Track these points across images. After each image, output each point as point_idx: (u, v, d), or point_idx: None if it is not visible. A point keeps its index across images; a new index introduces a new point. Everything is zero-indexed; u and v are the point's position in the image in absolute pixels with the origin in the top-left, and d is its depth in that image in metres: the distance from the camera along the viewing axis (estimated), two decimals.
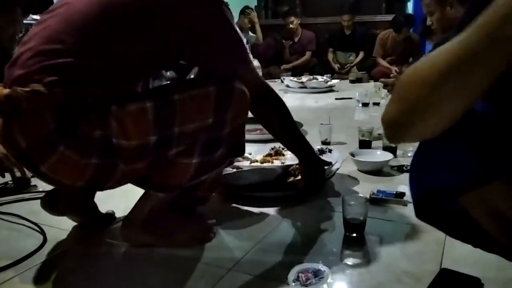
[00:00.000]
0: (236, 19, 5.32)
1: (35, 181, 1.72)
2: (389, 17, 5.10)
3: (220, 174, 1.28)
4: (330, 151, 1.82)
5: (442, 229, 0.82)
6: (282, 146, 1.88)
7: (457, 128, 0.58)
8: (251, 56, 5.40)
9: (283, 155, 1.84)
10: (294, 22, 5.28)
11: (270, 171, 1.63)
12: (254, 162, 1.78)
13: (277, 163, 1.75)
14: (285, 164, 1.70)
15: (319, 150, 1.82)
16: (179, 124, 1.03)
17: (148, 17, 1.05)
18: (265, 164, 1.74)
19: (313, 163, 1.47)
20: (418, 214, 0.78)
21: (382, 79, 2.56)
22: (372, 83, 4.47)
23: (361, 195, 1.29)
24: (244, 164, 1.74)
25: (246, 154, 1.84)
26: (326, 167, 1.59)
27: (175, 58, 1.22)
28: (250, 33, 5.40)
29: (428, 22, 2.18)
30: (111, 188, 1.13)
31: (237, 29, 1.22)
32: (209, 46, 1.12)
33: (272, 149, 1.89)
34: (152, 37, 1.06)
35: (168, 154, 1.05)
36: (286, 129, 1.39)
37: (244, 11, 5.26)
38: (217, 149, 1.10)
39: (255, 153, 1.89)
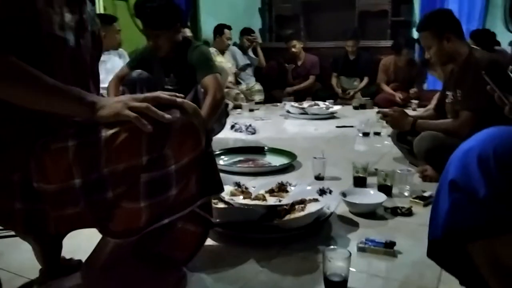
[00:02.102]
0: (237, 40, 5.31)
1: None
2: None
3: (200, 235, 1.15)
4: (330, 192, 1.71)
5: (450, 272, 0.89)
6: (288, 181, 1.79)
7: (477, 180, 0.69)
8: (253, 79, 5.30)
9: (287, 191, 1.72)
10: (296, 46, 5.23)
11: (252, 211, 1.53)
12: (246, 198, 1.66)
13: (272, 200, 1.64)
14: (281, 203, 1.59)
15: (320, 190, 1.71)
16: (106, 165, 0.91)
17: None
18: (253, 202, 1.63)
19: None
20: (429, 254, 0.86)
21: (382, 110, 2.47)
22: (375, 109, 4.38)
23: (343, 249, 1.18)
24: (237, 198, 1.65)
25: (251, 188, 1.76)
26: (318, 209, 1.49)
27: None
28: (252, 56, 5.37)
29: (426, 56, 2.10)
30: (60, 233, 1.04)
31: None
32: None
33: (278, 184, 1.76)
34: None
35: (106, 197, 0.94)
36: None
37: (245, 33, 5.24)
38: (167, 189, 0.96)
39: (259, 188, 1.77)
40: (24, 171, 0.92)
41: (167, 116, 0.91)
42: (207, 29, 5.12)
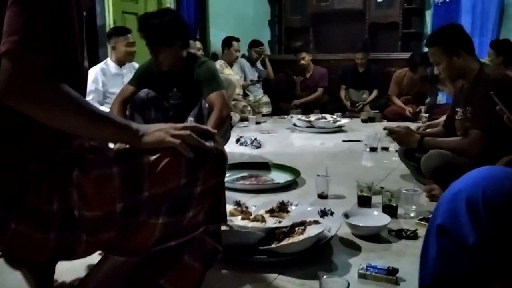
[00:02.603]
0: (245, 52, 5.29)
1: None
2: (405, 55, 4.94)
3: (198, 270, 1.10)
4: (332, 213, 1.66)
5: None
6: (289, 201, 1.75)
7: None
8: (261, 91, 5.25)
9: (288, 211, 1.68)
10: (305, 58, 5.20)
11: (250, 234, 1.48)
12: (245, 218, 1.62)
13: (271, 221, 1.59)
14: (280, 224, 1.54)
15: (321, 211, 1.66)
16: (148, 188, 0.95)
17: None
18: (251, 224, 1.58)
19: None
20: None
21: (388, 127, 2.41)
22: (384, 122, 4.30)
23: (341, 279, 1.12)
24: (236, 219, 1.60)
25: (252, 207, 1.74)
26: (317, 233, 1.44)
27: None
28: (261, 68, 5.35)
29: (436, 72, 2.04)
30: (79, 258, 1.04)
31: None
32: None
33: (279, 203, 1.72)
34: None
35: (138, 220, 0.96)
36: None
37: (253, 45, 5.23)
38: (187, 210, 0.99)
39: (259, 207, 1.73)
40: (63, 201, 0.93)
41: (207, 143, 0.98)
42: (216, 42, 5.12)
